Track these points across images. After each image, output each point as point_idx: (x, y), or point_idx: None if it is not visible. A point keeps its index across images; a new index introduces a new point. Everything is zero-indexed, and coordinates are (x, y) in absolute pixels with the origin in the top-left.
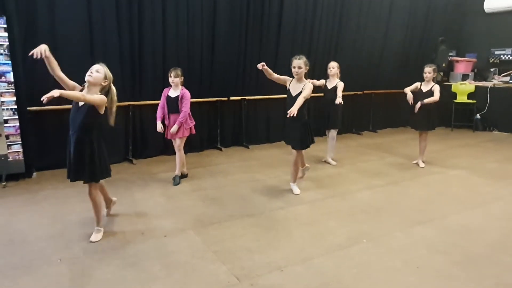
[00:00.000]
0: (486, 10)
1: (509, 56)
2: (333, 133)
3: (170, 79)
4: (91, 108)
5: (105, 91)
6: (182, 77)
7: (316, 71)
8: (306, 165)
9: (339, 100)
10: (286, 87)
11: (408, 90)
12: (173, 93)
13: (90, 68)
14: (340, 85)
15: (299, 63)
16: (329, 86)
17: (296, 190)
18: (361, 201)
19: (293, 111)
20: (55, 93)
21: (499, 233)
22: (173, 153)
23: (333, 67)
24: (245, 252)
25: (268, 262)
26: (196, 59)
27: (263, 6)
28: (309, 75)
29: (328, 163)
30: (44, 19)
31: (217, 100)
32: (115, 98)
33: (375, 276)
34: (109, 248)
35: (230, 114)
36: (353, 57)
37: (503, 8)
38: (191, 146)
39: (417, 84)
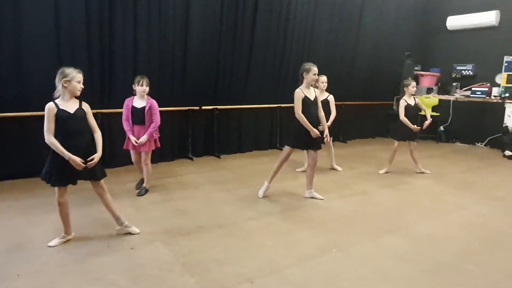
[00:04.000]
0: (448, 28)
1: (470, 71)
2: (330, 141)
3: (141, 88)
4: (85, 112)
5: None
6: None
7: (289, 82)
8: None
9: (334, 113)
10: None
11: (406, 119)
12: (138, 103)
13: (81, 80)
14: (332, 99)
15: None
16: (321, 98)
17: (318, 195)
18: (332, 210)
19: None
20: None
21: (463, 241)
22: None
23: (325, 81)
24: (215, 263)
25: (239, 274)
26: (168, 68)
27: (236, 15)
28: (281, 87)
29: (335, 169)
30: (9, 26)
31: (188, 109)
32: None
33: (343, 285)
34: (72, 261)
35: (201, 123)
36: (324, 70)
37: (464, 26)
38: (161, 155)
39: (403, 101)
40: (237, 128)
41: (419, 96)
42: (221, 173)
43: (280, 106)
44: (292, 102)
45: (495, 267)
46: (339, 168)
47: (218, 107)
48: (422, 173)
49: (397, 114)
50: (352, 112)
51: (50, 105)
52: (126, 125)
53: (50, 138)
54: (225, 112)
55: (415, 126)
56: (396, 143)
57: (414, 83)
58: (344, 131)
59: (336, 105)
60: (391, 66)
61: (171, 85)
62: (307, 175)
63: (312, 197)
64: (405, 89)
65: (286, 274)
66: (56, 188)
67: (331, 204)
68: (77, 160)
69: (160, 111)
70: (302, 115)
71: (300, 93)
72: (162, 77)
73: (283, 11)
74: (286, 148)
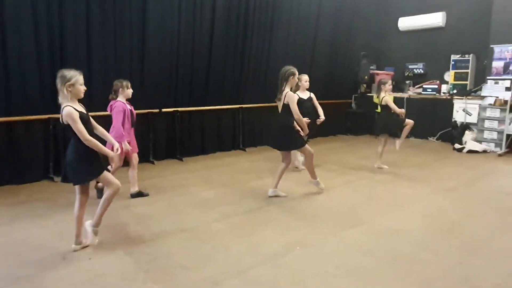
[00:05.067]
0: (400, 29)
1: (421, 70)
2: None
3: (131, 90)
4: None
5: None
6: None
7: (249, 83)
8: None
9: (322, 113)
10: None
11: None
12: (128, 106)
13: (83, 81)
14: (314, 96)
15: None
16: (304, 96)
17: (320, 184)
18: (296, 208)
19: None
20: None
21: (420, 232)
22: None
23: (308, 80)
24: (179, 269)
25: (204, 278)
26: (125, 70)
27: (194, 17)
28: (243, 88)
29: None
30: None
31: (148, 112)
32: None
33: (309, 282)
34: (24, 276)
35: (162, 126)
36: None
37: (414, 27)
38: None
39: (388, 98)
40: (199, 130)
41: (375, 94)
42: (183, 176)
43: (242, 107)
44: (254, 102)
45: (449, 255)
46: (302, 167)
47: (179, 109)
48: (381, 168)
49: (356, 112)
50: (314, 111)
51: (71, 109)
52: (122, 130)
53: (88, 137)
54: (186, 114)
55: (402, 110)
56: (383, 138)
57: (390, 81)
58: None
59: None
60: (349, 65)
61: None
62: (279, 171)
63: (277, 195)
64: (382, 87)
65: (251, 274)
66: (77, 189)
67: (294, 202)
68: (111, 153)
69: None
70: (301, 117)
71: (295, 95)
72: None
73: (241, 13)
74: (303, 149)
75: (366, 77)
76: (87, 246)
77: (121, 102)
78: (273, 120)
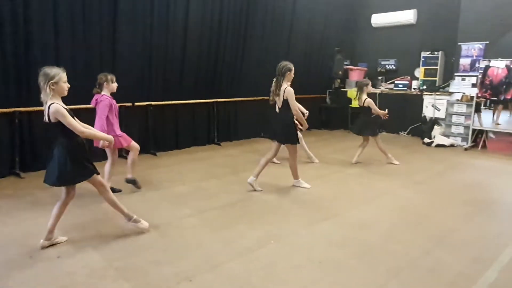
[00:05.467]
0: (373, 25)
1: (393, 66)
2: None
3: (115, 85)
4: None
5: None
6: None
7: (224, 77)
8: None
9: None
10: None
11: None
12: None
13: (66, 79)
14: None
15: None
16: None
17: (305, 184)
18: (269, 203)
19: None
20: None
21: (389, 223)
22: None
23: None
24: (151, 265)
25: (176, 273)
26: (95, 63)
27: (168, 9)
28: (217, 82)
29: (313, 162)
30: None
31: (121, 106)
32: None
33: (282, 275)
34: None
35: (135, 120)
36: (259, 66)
37: (386, 23)
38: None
39: (370, 100)
40: (173, 124)
41: (350, 89)
42: (157, 171)
43: (217, 101)
44: (229, 97)
45: (416, 245)
46: (316, 160)
47: (152, 103)
48: (391, 163)
49: (331, 107)
50: None
51: (58, 106)
52: (105, 125)
53: (82, 129)
54: (160, 108)
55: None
56: (366, 140)
57: (371, 83)
58: (269, 130)
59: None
60: (323, 61)
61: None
62: (261, 164)
63: (252, 186)
64: (364, 88)
65: (225, 269)
66: (64, 189)
67: (268, 197)
68: (109, 137)
69: (89, 109)
70: (299, 112)
71: (292, 90)
72: (90, 73)
73: (216, 6)
74: (292, 147)
75: (340, 73)
76: (55, 244)
77: (106, 96)
78: (269, 114)
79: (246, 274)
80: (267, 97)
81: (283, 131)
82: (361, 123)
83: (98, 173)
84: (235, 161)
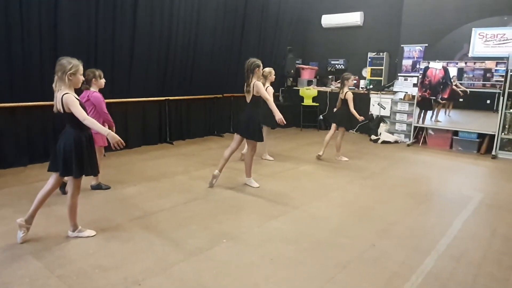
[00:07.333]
0: (323, 25)
1: (342, 65)
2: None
3: (103, 81)
4: None
5: None
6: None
7: (176, 75)
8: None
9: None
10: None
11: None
12: None
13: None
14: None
15: None
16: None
17: (254, 183)
18: (222, 201)
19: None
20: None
21: (338, 218)
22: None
23: (274, 73)
24: (97, 270)
25: (125, 277)
26: (34, 57)
27: (115, 7)
28: (169, 79)
29: (266, 159)
30: None
31: None
32: None
33: (234, 273)
34: None
35: None
36: (212, 63)
37: (336, 24)
38: (33, 157)
39: (351, 94)
40: (122, 122)
41: (301, 88)
42: (105, 171)
43: (169, 99)
44: (181, 95)
45: (363, 238)
46: (270, 158)
47: (115, 100)
48: (340, 160)
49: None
50: (241, 104)
51: (71, 96)
52: (110, 117)
53: (87, 117)
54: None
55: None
56: (342, 130)
57: (353, 77)
58: (234, 122)
59: (226, 97)
60: (276, 59)
61: (40, 79)
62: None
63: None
64: (346, 82)
65: (176, 270)
66: (74, 181)
67: (221, 195)
68: (109, 132)
69: (34, 107)
70: (272, 101)
71: (261, 84)
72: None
73: (166, 2)
74: (253, 143)
75: (292, 71)
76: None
77: (97, 93)
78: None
79: (197, 275)
80: (220, 95)
81: (248, 126)
82: (342, 115)
83: (95, 175)
84: (188, 160)
